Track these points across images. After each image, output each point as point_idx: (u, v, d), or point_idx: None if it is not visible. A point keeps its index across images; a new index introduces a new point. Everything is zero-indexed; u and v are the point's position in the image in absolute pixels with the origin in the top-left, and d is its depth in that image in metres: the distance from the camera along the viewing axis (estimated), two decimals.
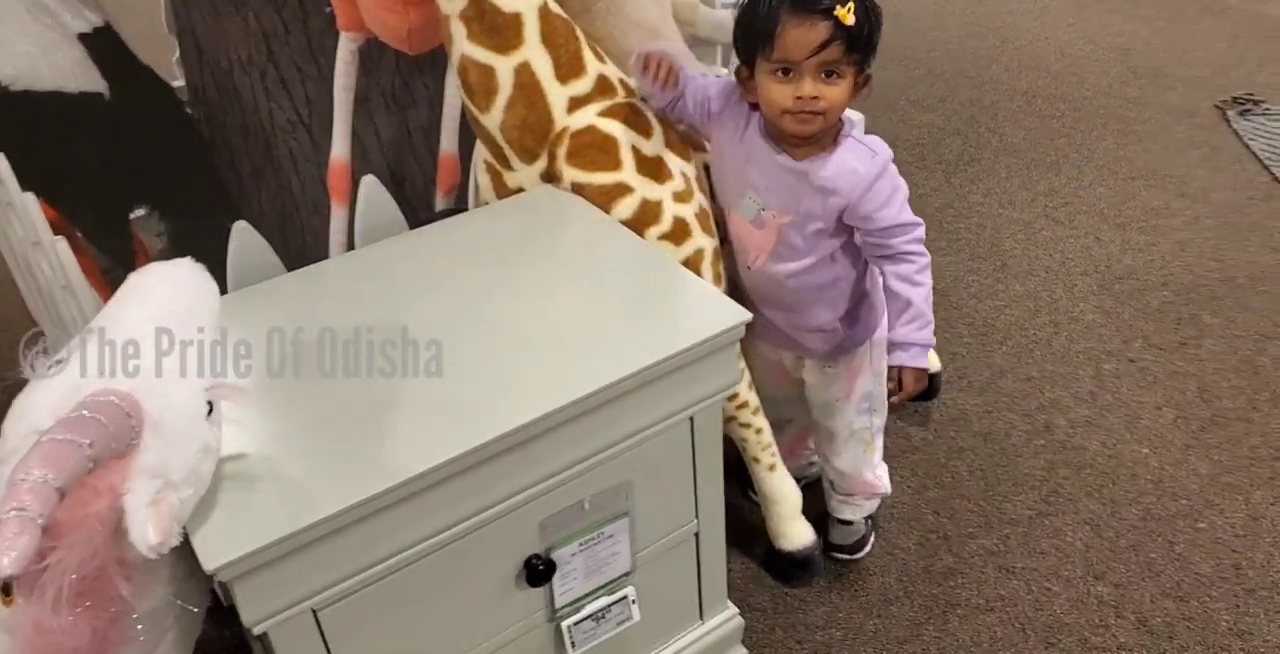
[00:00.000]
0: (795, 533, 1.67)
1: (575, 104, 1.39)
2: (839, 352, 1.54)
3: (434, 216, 1.49)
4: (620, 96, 1.43)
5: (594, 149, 1.39)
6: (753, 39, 1.29)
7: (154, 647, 0.98)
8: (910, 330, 1.38)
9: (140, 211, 1.95)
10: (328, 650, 1.06)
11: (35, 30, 1.67)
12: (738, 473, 1.72)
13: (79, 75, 1.73)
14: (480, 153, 1.50)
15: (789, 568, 1.69)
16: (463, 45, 1.34)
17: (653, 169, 1.41)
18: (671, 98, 1.41)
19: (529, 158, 1.42)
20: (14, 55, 1.63)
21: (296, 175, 1.92)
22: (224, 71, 1.89)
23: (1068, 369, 2.10)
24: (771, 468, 1.63)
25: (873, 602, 1.67)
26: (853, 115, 1.42)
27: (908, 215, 1.36)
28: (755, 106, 1.37)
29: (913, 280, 1.37)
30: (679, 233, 1.42)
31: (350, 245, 1.67)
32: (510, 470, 1.09)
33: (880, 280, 1.42)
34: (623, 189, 1.39)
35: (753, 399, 1.57)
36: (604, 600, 1.29)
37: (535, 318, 1.21)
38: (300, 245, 1.95)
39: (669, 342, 1.15)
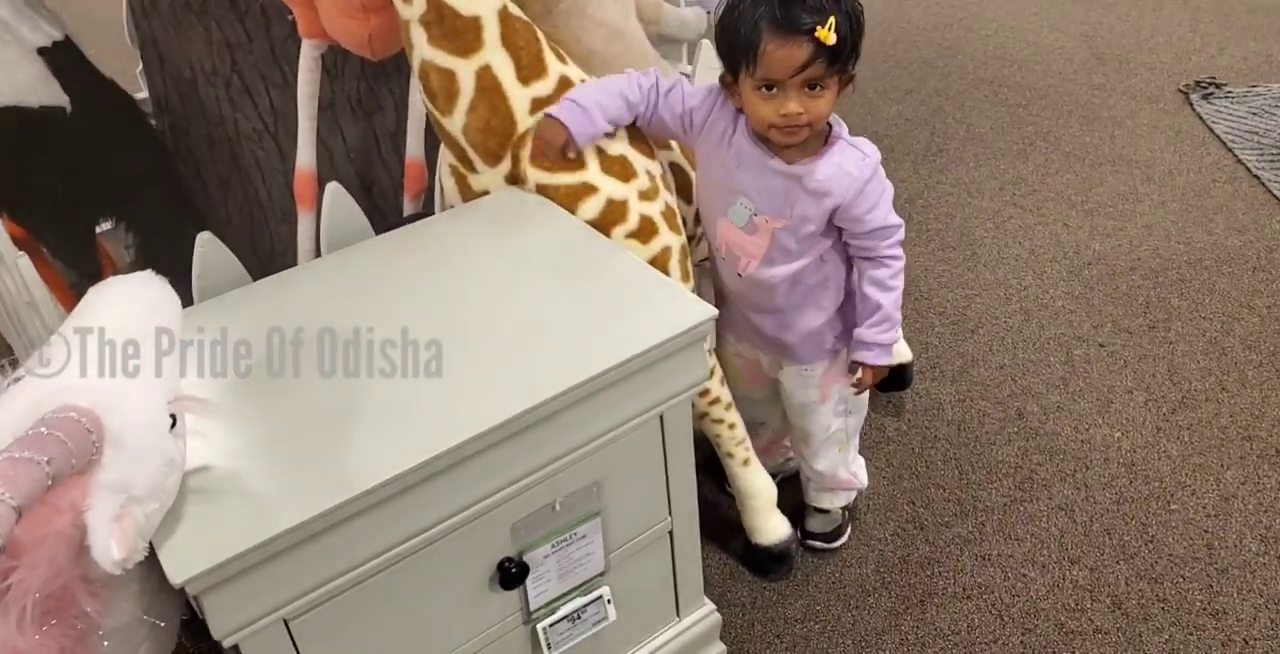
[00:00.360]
0: (771, 527, 1.67)
1: (538, 105, 1.39)
2: (819, 353, 1.55)
3: (400, 221, 1.48)
4: None
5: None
6: (736, 54, 1.28)
7: None
8: (876, 332, 1.44)
9: (107, 225, 1.94)
10: None
11: None
12: (713, 469, 1.73)
13: (39, 89, 1.72)
14: (445, 157, 1.49)
15: (766, 562, 1.69)
16: (423, 50, 1.34)
17: (617, 168, 1.41)
18: (644, 116, 1.41)
19: (493, 160, 1.42)
20: None
21: (263, 184, 1.92)
22: (188, 81, 1.88)
23: (1039, 356, 2.12)
24: (745, 463, 1.63)
25: (851, 593, 1.68)
26: None
27: (893, 217, 1.39)
28: (742, 109, 1.36)
29: (886, 285, 1.42)
30: (646, 231, 1.42)
31: (318, 253, 1.67)
32: (478, 474, 1.09)
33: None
34: (587, 189, 1.39)
35: (725, 395, 1.58)
36: (579, 601, 1.30)
37: (502, 320, 1.21)
38: (269, 254, 1.95)
39: (637, 339, 1.16)
